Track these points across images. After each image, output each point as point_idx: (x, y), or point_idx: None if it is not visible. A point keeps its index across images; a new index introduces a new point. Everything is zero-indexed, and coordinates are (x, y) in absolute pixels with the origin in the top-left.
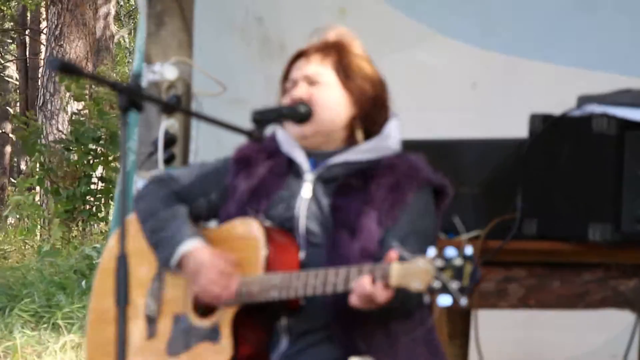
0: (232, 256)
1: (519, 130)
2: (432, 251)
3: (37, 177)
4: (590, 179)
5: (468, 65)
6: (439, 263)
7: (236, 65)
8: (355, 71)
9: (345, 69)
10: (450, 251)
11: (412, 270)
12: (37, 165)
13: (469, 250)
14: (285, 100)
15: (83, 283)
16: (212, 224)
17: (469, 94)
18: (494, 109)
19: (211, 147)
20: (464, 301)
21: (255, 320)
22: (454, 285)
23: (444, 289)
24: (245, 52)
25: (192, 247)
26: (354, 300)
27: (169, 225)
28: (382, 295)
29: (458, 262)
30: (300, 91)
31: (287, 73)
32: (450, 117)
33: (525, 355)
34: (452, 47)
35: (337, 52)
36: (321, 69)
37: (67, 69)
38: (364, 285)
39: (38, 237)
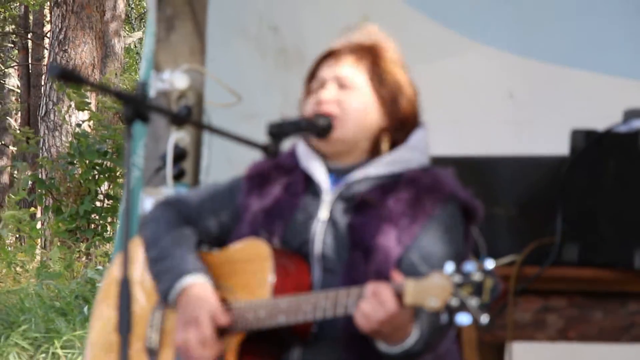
0: (227, 319)
1: (560, 146)
2: (449, 266)
3: (37, 193)
4: (637, 200)
5: (504, 75)
6: (457, 279)
7: (250, 76)
8: (390, 78)
9: (379, 75)
10: (469, 266)
11: (427, 287)
12: (33, 180)
13: (489, 264)
14: (309, 101)
15: (85, 309)
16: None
17: (505, 105)
18: (532, 122)
19: (222, 164)
20: (484, 319)
21: (263, 349)
22: (474, 302)
23: (463, 307)
24: (260, 63)
25: (192, 282)
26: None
27: (171, 255)
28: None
29: (477, 277)
30: (329, 94)
31: (315, 71)
32: (485, 131)
33: None
34: (487, 55)
35: (372, 56)
36: (354, 72)
37: (68, 77)
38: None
39: (38, 258)
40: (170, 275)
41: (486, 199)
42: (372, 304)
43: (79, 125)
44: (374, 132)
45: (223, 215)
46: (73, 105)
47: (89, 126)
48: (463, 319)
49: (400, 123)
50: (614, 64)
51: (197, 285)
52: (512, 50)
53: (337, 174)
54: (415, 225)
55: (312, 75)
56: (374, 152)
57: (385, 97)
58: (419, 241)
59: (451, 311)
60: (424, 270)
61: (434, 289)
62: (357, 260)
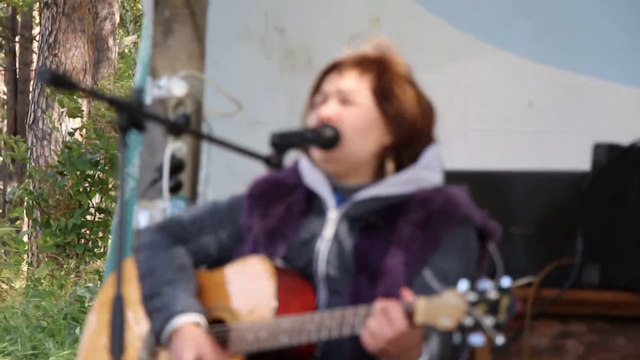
0: (220, 357)
1: (581, 161)
2: (463, 284)
3: (24, 206)
4: None
5: (524, 82)
6: (471, 297)
7: (253, 81)
8: (396, 94)
9: (384, 91)
10: (484, 283)
11: (440, 305)
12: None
13: (505, 281)
14: (311, 117)
15: (77, 330)
16: None
17: (524, 115)
18: (552, 134)
19: (223, 175)
20: (499, 340)
21: None
22: (489, 321)
23: (477, 326)
24: (264, 66)
25: (182, 323)
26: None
27: (163, 293)
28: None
29: (493, 295)
30: (330, 109)
31: (319, 85)
32: (501, 143)
33: None
34: (505, 61)
35: (377, 69)
36: (357, 87)
37: (59, 82)
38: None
39: (25, 274)
40: (161, 314)
41: (502, 216)
42: (380, 322)
43: (70, 133)
44: (378, 150)
45: (222, 234)
46: (64, 113)
47: (81, 135)
48: (477, 339)
49: (407, 142)
50: (639, 75)
51: (186, 326)
52: (533, 57)
53: (343, 193)
54: (426, 250)
55: (316, 88)
56: (380, 171)
57: (390, 113)
58: (430, 265)
59: (464, 331)
60: (436, 288)
61: (446, 307)
62: (364, 283)
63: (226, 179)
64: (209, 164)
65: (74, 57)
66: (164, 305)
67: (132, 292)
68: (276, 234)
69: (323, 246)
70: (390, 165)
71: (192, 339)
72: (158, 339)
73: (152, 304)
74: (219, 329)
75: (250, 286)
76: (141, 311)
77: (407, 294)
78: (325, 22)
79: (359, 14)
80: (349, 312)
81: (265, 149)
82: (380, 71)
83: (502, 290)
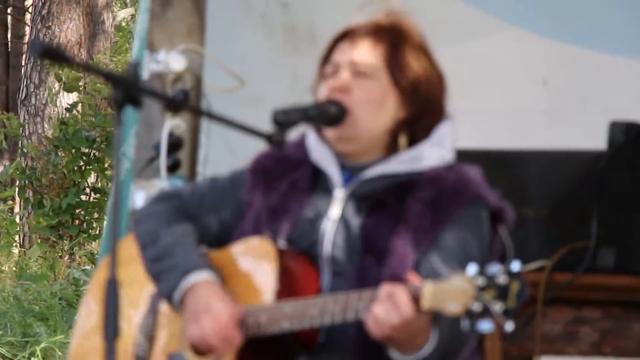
0: (242, 308)
1: (597, 140)
2: (472, 268)
3: (17, 185)
4: None
5: (538, 60)
6: (480, 282)
7: (255, 57)
8: (410, 66)
9: (398, 62)
10: (494, 267)
11: (447, 290)
12: (17, 171)
13: (515, 266)
14: (322, 88)
15: (71, 315)
16: None
17: (538, 94)
18: (567, 113)
19: (223, 154)
20: (509, 326)
21: (264, 359)
22: (497, 307)
23: (486, 312)
24: (266, 42)
25: (199, 280)
26: (373, 317)
27: (174, 252)
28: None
29: (502, 279)
30: (342, 82)
31: (329, 54)
32: (515, 122)
33: None
34: (518, 38)
35: (391, 38)
36: (370, 58)
37: (52, 55)
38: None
39: (16, 257)
40: (173, 273)
41: (514, 197)
42: (385, 307)
43: (68, 109)
44: (392, 125)
45: (224, 212)
46: (58, 87)
47: (77, 112)
48: (485, 325)
49: (422, 116)
50: None
51: (204, 283)
52: (547, 34)
53: (351, 171)
54: (436, 229)
55: (326, 57)
56: (393, 147)
57: (404, 86)
58: (440, 242)
59: (472, 317)
60: (444, 273)
61: (454, 292)
62: (370, 264)
63: (226, 158)
64: (209, 143)
65: (69, 29)
66: (176, 263)
67: (127, 274)
68: (279, 210)
69: (329, 227)
70: (403, 141)
71: (214, 294)
72: (170, 300)
73: (161, 264)
74: None
75: (251, 269)
76: (137, 293)
77: (413, 277)
78: None
79: None
80: (353, 297)
81: (267, 127)
82: (394, 41)
83: (512, 275)
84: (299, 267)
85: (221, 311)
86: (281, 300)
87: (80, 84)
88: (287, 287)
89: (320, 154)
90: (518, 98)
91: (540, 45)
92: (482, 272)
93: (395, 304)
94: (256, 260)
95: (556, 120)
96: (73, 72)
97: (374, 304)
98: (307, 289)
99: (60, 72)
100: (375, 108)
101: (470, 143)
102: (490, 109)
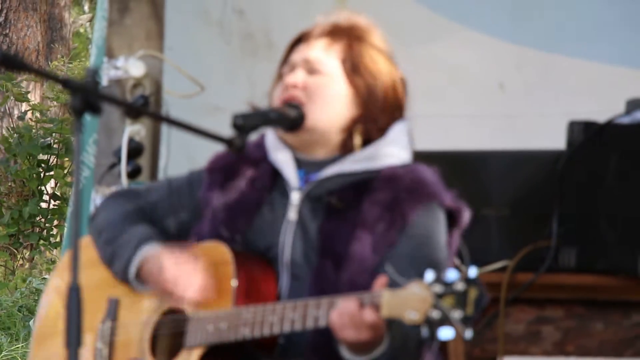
0: (198, 252)
1: (556, 140)
2: (429, 275)
3: None
4: None
5: (495, 63)
6: (438, 289)
7: (213, 65)
8: (366, 65)
9: (353, 60)
10: (451, 274)
11: (405, 298)
12: None
13: (472, 272)
14: (278, 88)
15: (31, 322)
16: None
17: (495, 96)
18: (525, 114)
19: (183, 161)
20: (468, 334)
21: None
22: (456, 314)
23: (445, 320)
24: (223, 50)
25: (152, 250)
26: (335, 317)
27: (126, 232)
28: (371, 317)
29: (460, 286)
30: (296, 78)
31: (287, 56)
32: (473, 124)
33: None
34: (476, 42)
35: (348, 38)
36: (325, 56)
37: (9, 63)
38: (349, 307)
39: None
40: (128, 246)
41: (475, 198)
42: (345, 325)
43: (20, 117)
44: (346, 123)
45: (182, 212)
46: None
47: (30, 119)
48: (445, 333)
49: (377, 115)
50: (614, 52)
51: (158, 251)
52: (503, 37)
53: (307, 169)
54: (393, 231)
55: (285, 59)
56: (347, 146)
57: (359, 85)
58: (397, 248)
59: (432, 324)
60: (402, 280)
61: (412, 300)
62: (327, 268)
63: (186, 166)
64: (169, 152)
65: (26, 37)
66: (130, 239)
67: (86, 277)
68: (236, 209)
69: (288, 230)
70: (357, 139)
71: (174, 256)
72: (125, 275)
73: (116, 243)
74: (176, 317)
75: (209, 273)
76: (95, 299)
77: (380, 281)
78: (285, 3)
79: None
80: (312, 304)
81: (226, 135)
82: (352, 40)
83: (469, 282)
84: (256, 270)
85: (187, 255)
86: (240, 305)
87: (29, 91)
88: (246, 291)
89: (278, 155)
90: (475, 101)
91: (497, 47)
92: (439, 279)
93: (356, 325)
94: (213, 264)
95: (514, 122)
96: (15, 87)
97: (334, 315)
98: (266, 293)
99: (7, 83)
100: (328, 104)
101: (429, 145)
102: (448, 112)
